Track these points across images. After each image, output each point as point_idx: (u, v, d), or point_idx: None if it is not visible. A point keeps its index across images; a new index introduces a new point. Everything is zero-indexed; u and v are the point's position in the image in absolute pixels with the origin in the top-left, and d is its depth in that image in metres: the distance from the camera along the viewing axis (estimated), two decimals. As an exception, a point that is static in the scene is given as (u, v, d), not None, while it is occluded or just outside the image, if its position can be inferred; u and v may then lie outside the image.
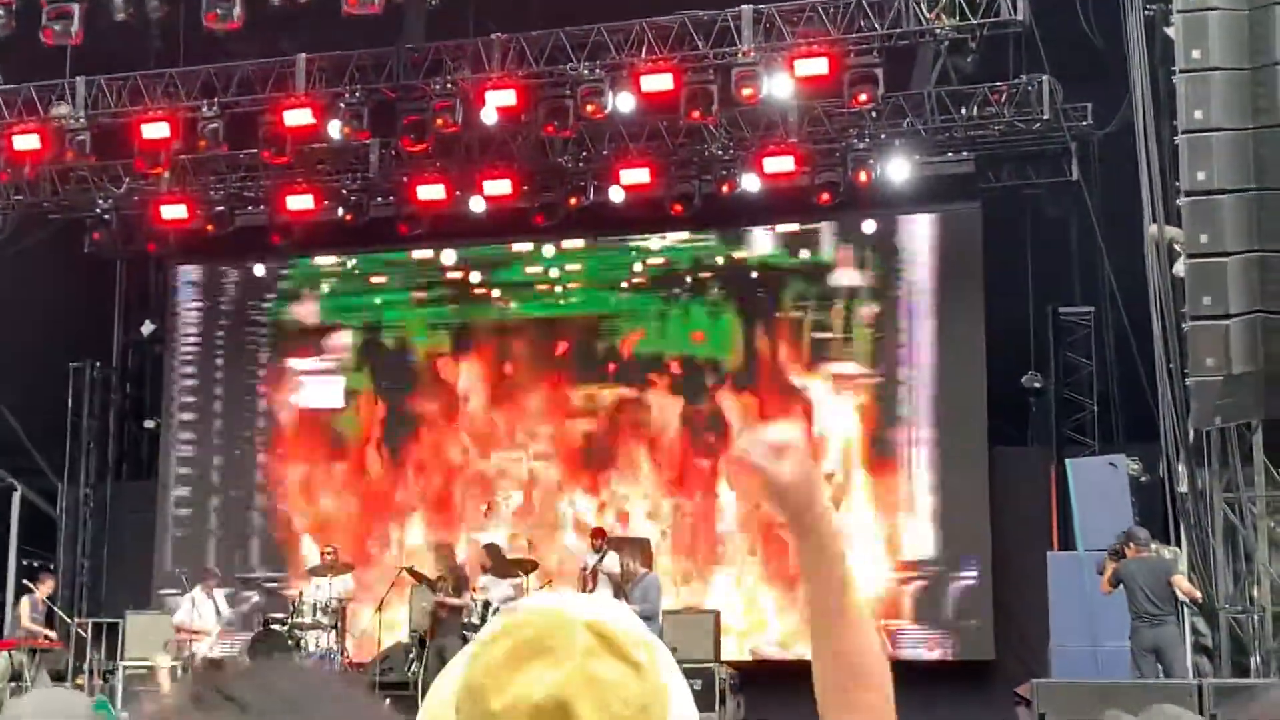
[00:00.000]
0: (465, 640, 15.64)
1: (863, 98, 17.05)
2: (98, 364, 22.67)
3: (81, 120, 18.40)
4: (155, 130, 18.36)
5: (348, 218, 20.44)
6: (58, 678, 17.41)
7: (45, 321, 20.49)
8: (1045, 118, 17.74)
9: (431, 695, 1.71)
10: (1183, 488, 13.89)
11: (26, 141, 18.54)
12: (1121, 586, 13.74)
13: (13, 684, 16.77)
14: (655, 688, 1.66)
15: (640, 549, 17.66)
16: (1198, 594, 13.61)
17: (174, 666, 16.90)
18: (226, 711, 1.09)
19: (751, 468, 1.94)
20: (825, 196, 19.23)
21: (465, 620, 16.27)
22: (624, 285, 20.91)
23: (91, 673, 17.52)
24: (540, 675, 1.61)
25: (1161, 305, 13.68)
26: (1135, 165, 14.06)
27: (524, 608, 1.70)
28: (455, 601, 16.05)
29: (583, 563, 18.04)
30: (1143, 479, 16.43)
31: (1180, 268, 13.17)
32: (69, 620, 18.53)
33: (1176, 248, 13.33)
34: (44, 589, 17.36)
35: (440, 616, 16.01)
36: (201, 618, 17.16)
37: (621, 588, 16.49)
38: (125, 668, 17.23)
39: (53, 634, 17.65)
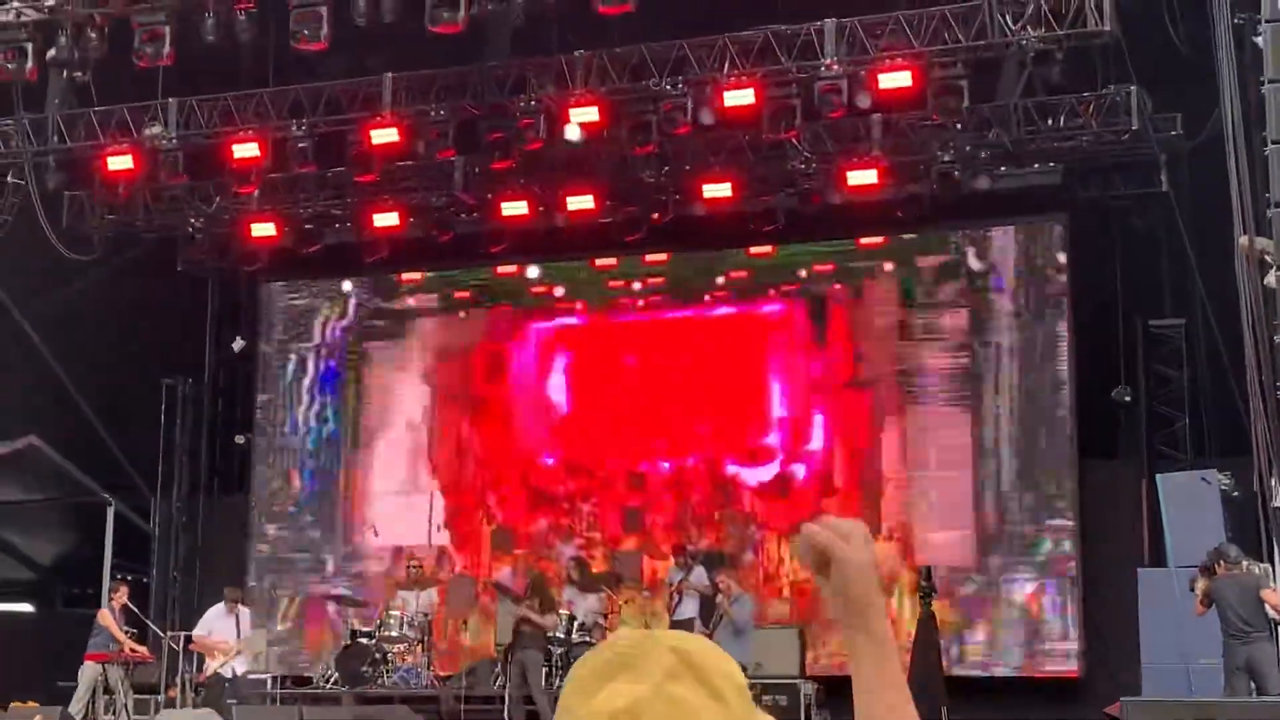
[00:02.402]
0: (547, 654, 15.75)
1: (947, 110, 16.93)
2: (189, 380, 22.98)
3: (173, 140, 18.70)
4: (245, 150, 18.62)
5: (433, 234, 20.62)
6: (150, 690, 17.61)
7: (138, 338, 20.84)
8: (1134, 128, 17.55)
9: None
10: (1276, 502, 13.66)
11: (120, 162, 18.88)
12: (1213, 605, 13.55)
13: (106, 696, 17.00)
14: (735, 718, 1.68)
15: (727, 564, 17.65)
16: (1289, 610, 13.39)
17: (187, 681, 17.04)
18: None
19: (820, 546, 1.94)
20: (910, 210, 19.13)
21: (550, 635, 16.32)
22: (707, 298, 20.93)
23: (183, 686, 17.70)
24: (622, 689, 1.65)
25: (1252, 317, 13.47)
26: (1225, 176, 13.86)
27: (619, 631, 1.76)
28: (538, 619, 16.08)
29: (669, 578, 18.06)
30: (1235, 494, 16.17)
31: (1272, 279, 12.98)
32: (161, 634, 18.75)
33: (1267, 259, 13.12)
34: (119, 598, 17.53)
35: (523, 630, 16.06)
36: (220, 634, 17.01)
37: (709, 601, 16.49)
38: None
39: (143, 648, 17.82)
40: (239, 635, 16.94)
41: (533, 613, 16.06)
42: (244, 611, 17.34)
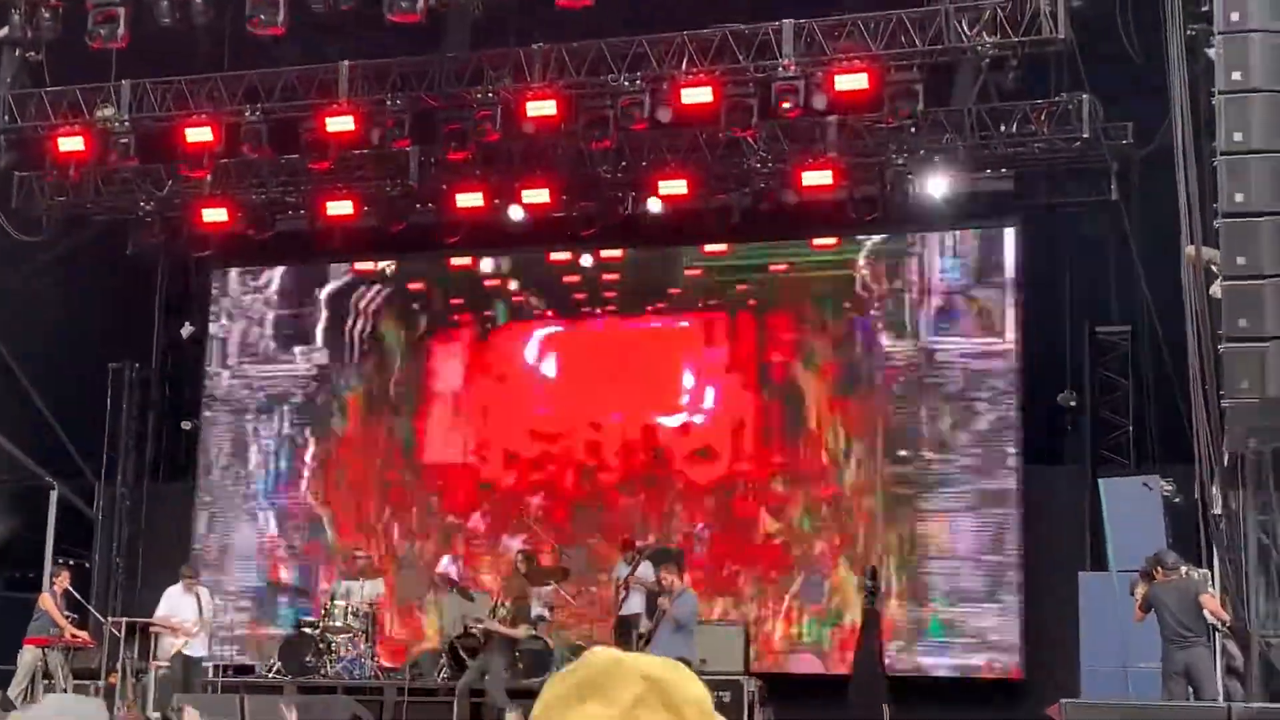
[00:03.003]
0: (511, 659, 15.46)
1: (902, 113, 17.04)
2: (137, 365, 22.83)
3: (126, 123, 18.57)
4: (198, 134, 18.51)
5: (387, 224, 20.56)
6: (90, 676, 17.48)
7: (85, 322, 20.66)
8: (1085, 136, 17.71)
9: None
10: (1217, 510, 13.80)
11: (71, 143, 18.73)
12: (1152, 610, 13.69)
13: (46, 681, 16.88)
14: None
15: (674, 560, 17.67)
16: (1225, 614, 13.53)
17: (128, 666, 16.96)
18: None
19: None
20: (863, 212, 19.23)
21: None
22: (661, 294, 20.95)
23: (124, 672, 17.58)
24: (592, 713, 1.68)
25: (1198, 326, 13.60)
26: (1175, 186, 14.00)
27: (594, 651, 1.77)
28: (508, 632, 16.01)
29: (615, 573, 18.09)
30: (1176, 500, 16.34)
31: (1217, 289, 13.11)
32: (102, 619, 18.63)
33: (1214, 269, 13.25)
34: (60, 582, 17.41)
35: (493, 635, 16.05)
36: (180, 614, 16.94)
37: (655, 597, 16.51)
38: (158, 668, 17.16)
39: (83, 633, 17.71)
40: (200, 614, 16.88)
41: (503, 625, 16.01)
42: (203, 590, 17.30)
